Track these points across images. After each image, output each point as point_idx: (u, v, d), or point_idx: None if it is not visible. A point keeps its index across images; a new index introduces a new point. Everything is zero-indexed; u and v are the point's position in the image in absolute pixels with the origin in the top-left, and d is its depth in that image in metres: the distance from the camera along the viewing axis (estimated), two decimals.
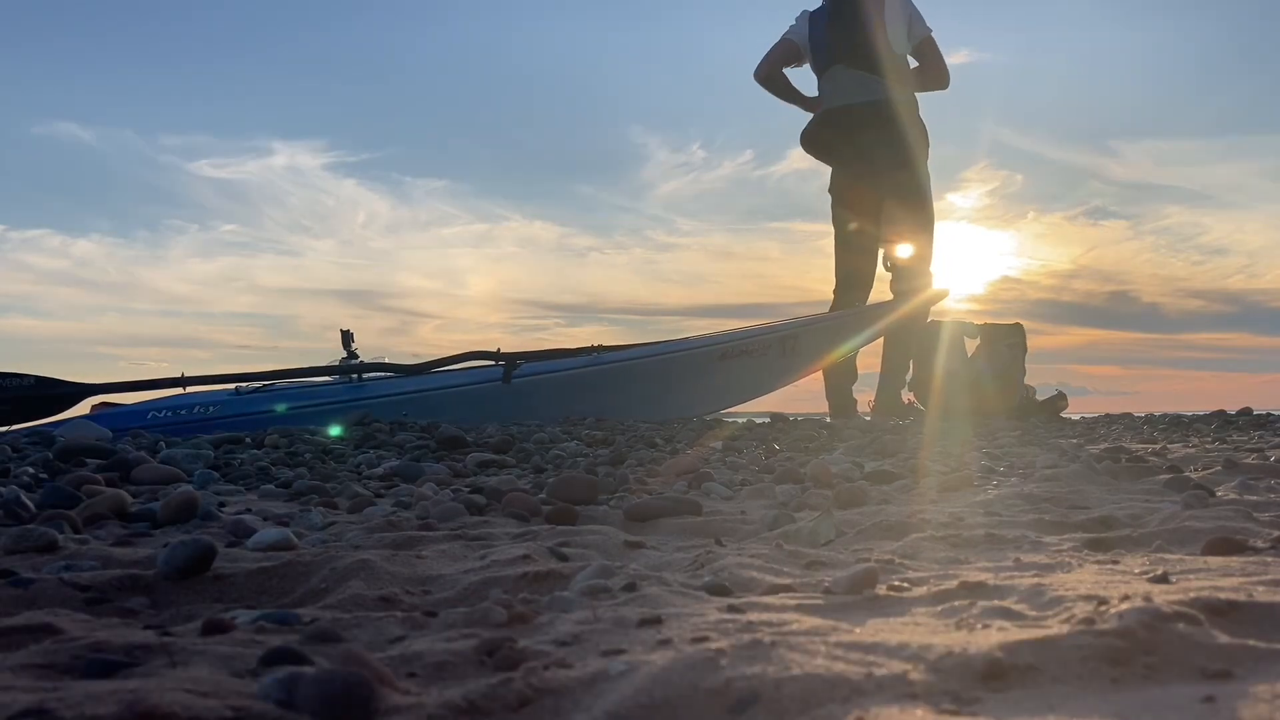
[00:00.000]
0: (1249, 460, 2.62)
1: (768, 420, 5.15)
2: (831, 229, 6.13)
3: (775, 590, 1.08)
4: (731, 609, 0.94)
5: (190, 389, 5.34)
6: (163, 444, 3.27)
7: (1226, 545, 1.29)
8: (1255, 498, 1.88)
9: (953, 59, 6.03)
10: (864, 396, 6.15)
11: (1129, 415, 6.27)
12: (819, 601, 0.99)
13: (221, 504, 1.98)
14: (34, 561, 1.28)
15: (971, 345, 6.20)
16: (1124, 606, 0.79)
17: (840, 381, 6.05)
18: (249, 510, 1.92)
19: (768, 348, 5.82)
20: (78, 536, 1.51)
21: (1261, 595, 0.87)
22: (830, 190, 6.09)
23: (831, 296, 6.13)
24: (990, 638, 0.77)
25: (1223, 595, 0.86)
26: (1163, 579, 1.01)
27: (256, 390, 5.34)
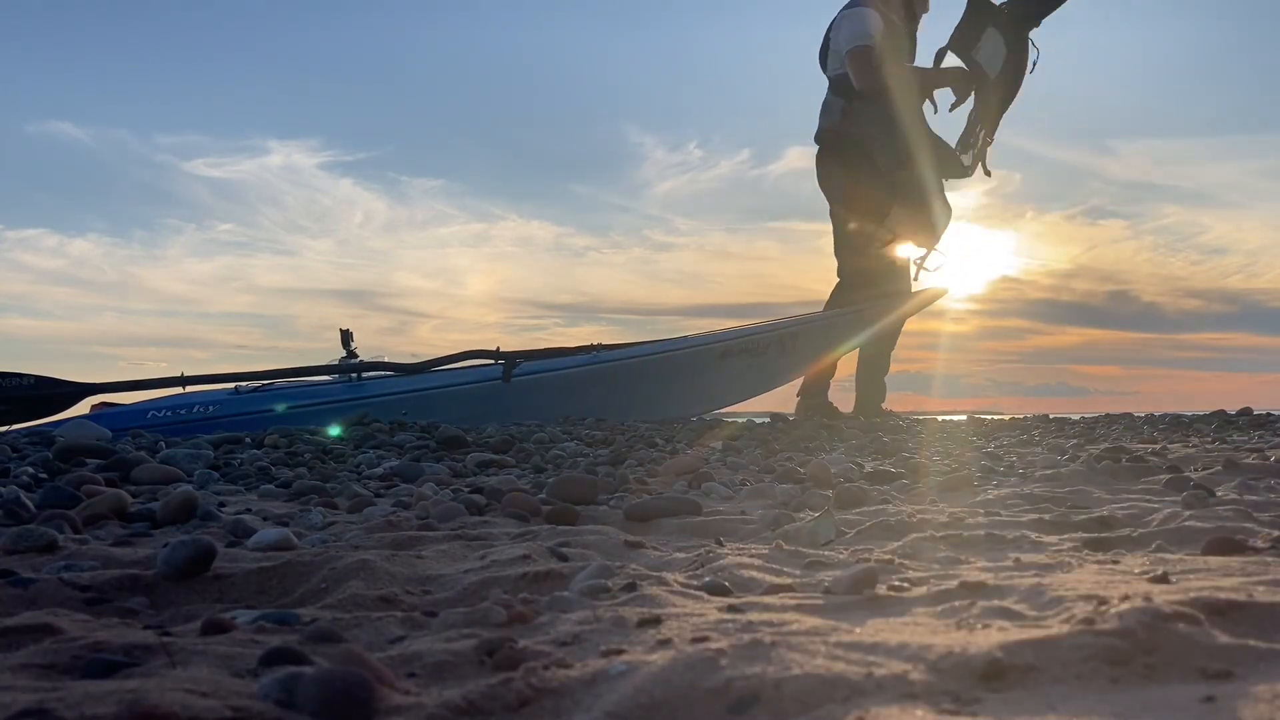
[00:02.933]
0: (1249, 460, 2.62)
1: (768, 420, 5.15)
2: (829, 229, 6.09)
3: (775, 590, 1.08)
4: (731, 609, 0.94)
5: (190, 389, 5.34)
6: (163, 444, 3.27)
7: (1226, 545, 1.29)
8: (1255, 498, 1.88)
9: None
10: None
11: (1129, 415, 6.26)
12: (819, 601, 0.99)
13: (221, 504, 1.98)
14: (34, 561, 1.28)
15: None
16: (1124, 606, 0.79)
17: (816, 384, 6.02)
18: (249, 510, 1.92)
19: (767, 346, 5.81)
20: (78, 536, 1.51)
21: (1261, 595, 0.87)
22: (830, 193, 6.00)
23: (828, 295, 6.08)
24: (990, 638, 0.77)
25: (1223, 595, 0.86)
26: (1163, 579, 1.01)
27: (256, 390, 5.34)
